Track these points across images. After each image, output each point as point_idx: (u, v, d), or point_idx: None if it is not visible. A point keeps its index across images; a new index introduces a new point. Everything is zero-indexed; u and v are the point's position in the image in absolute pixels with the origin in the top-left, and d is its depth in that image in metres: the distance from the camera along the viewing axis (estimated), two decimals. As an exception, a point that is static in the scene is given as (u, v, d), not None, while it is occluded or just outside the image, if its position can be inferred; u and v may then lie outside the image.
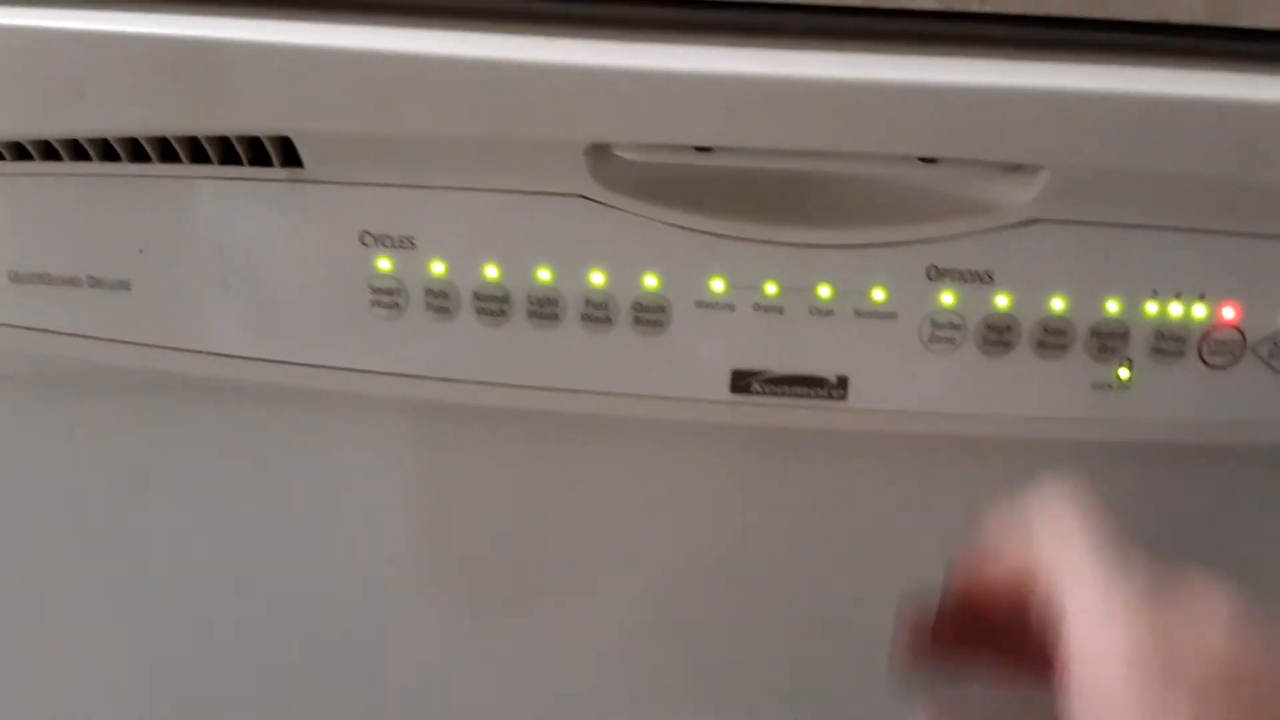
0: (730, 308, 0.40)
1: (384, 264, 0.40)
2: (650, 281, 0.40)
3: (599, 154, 0.38)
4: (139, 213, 0.39)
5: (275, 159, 0.38)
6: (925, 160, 0.38)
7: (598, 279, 0.40)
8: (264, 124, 0.37)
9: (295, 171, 0.38)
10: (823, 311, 0.40)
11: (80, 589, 0.51)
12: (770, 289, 0.40)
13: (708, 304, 0.40)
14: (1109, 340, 0.40)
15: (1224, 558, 0.47)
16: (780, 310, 0.40)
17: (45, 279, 0.40)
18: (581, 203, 0.39)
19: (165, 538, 0.50)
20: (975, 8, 0.36)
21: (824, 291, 0.40)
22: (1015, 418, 0.41)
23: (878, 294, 0.40)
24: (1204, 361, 0.41)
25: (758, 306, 0.40)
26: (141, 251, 0.40)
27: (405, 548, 0.50)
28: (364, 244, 0.39)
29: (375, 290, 0.40)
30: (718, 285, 0.40)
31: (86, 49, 0.36)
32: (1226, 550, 0.47)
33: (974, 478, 0.45)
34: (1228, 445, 0.43)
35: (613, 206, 0.39)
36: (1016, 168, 0.38)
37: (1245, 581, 0.47)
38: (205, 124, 0.37)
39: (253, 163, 0.38)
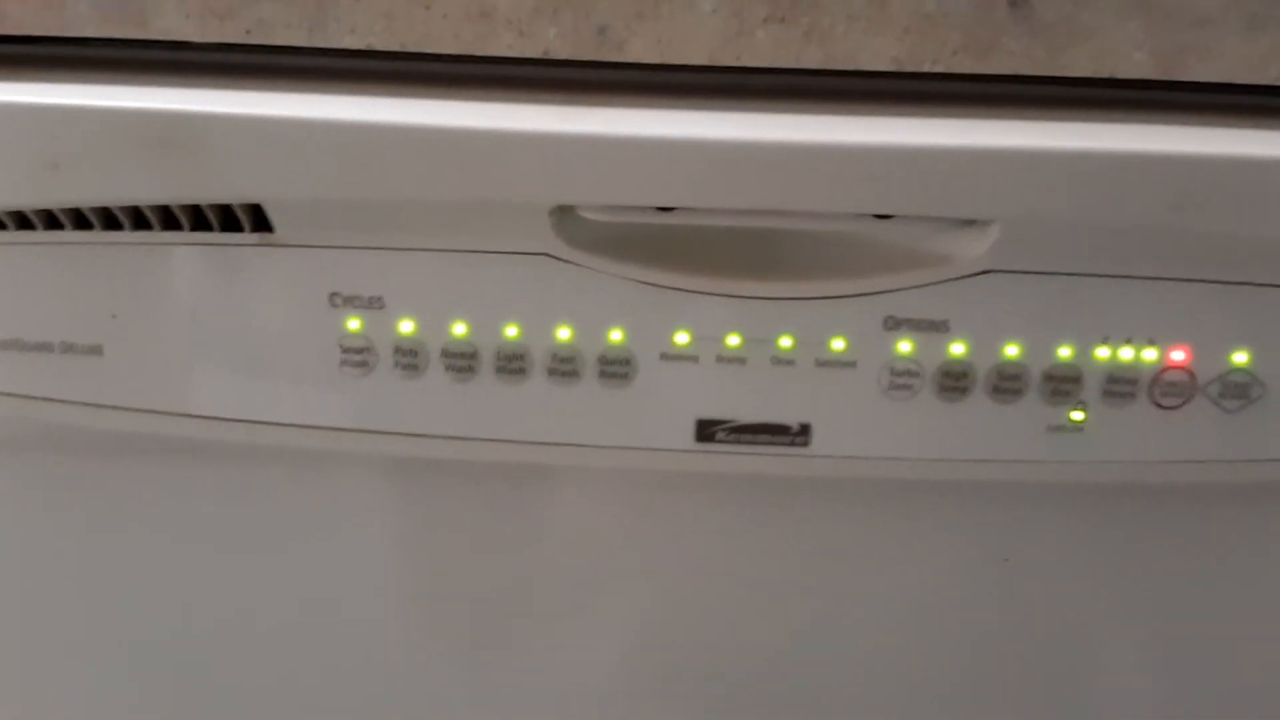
0: (694, 360, 0.42)
1: (354, 324, 0.40)
2: (615, 335, 0.41)
3: (564, 215, 0.39)
4: (111, 278, 0.40)
5: (246, 225, 0.39)
6: (880, 216, 0.40)
7: (564, 334, 0.41)
8: (236, 193, 0.38)
9: (266, 236, 0.39)
10: (784, 361, 0.42)
11: (52, 647, 0.52)
12: (733, 340, 0.41)
13: (672, 356, 0.41)
14: (1062, 384, 0.41)
15: (1181, 595, 0.49)
16: (743, 361, 0.42)
17: (18, 345, 0.41)
18: (548, 261, 0.40)
19: (140, 597, 0.50)
20: (928, 68, 0.38)
21: (785, 342, 0.41)
22: (973, 461, 0.43)
23: (837, 344, 0.41)
24: (1156, 403, 0.42)
25: (721, 358, 0.42)
26: (114, 316, 0.40)
27: (382, 601, 0.50)
28: (334, 305, 0.40)
29: (345, 350, 0.41)
30: (681, 338, 0.41)
31: (61, 123, 0.36)
32: (1183, 588, 0.48)
33: (934, 521, 0.47)
34: (1182, 484, 0.44)
35: (578, 264, 0.40)
36: (969, 221, 0.39)
37: (1201, 618, 0.49)
38: (178, 194, 0.38)
39: (224, 228, 0.39)
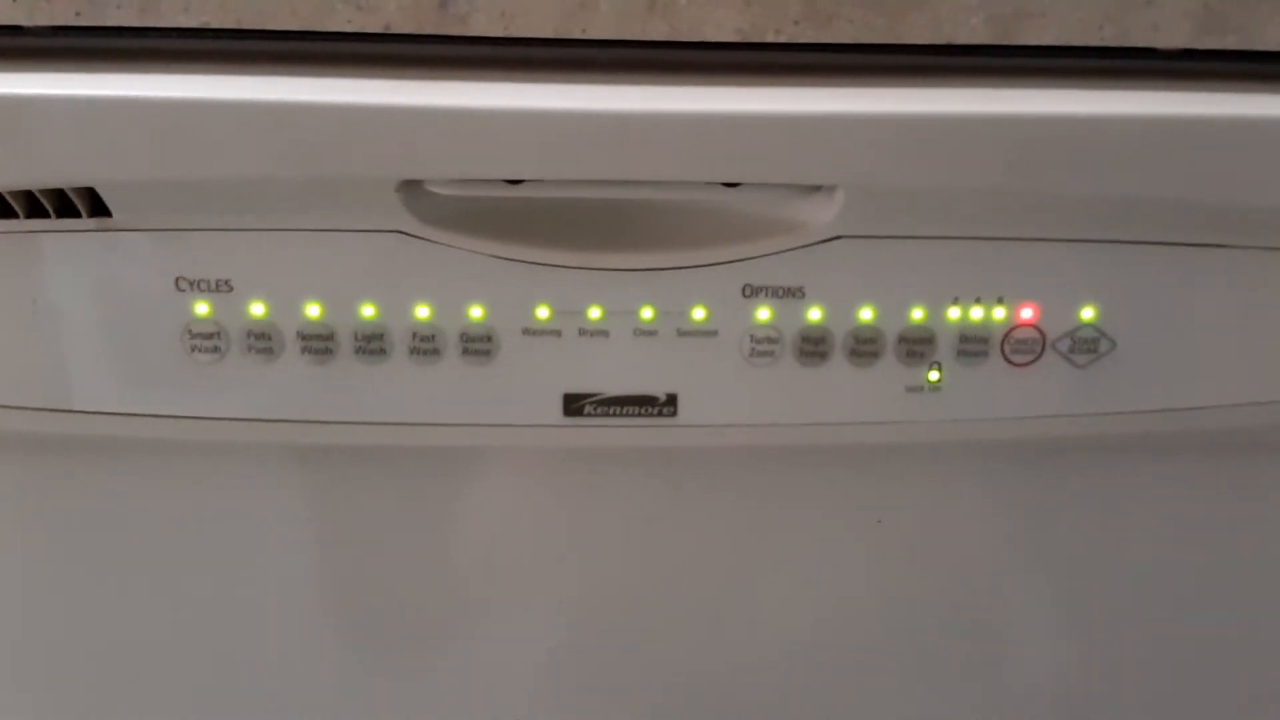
0: (557, 334, 0.42)
1: (202, 308, 0.40)
2: (475, 312, 0.41)
3: (412, 190, 0.39)
4: (-54, 270, 0.39)
5: (83, 210, 0.38)
6: (729, 184, 0.40)
7: (423, 312, 0.41)
8: (67, 176, 0.37)
9: (104, 221, 0.38)
10: (647, 333, 0.42)
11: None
12: (594, 313, 0.42)
13: (534, 331, 0.42)
14: (917, 346, 0.43)
15: (1044, 549, 0.50)
16: (606, 334, 0.42)
17: None
18: (400, 238, 0.40)
19: (16, 597, 0.49)
20: (770, 38, 0.38)
21: (646, 313, 0.42)
22: (836, 424, 0.44)
23: (698, 313, 0.42)
24: (1008, 360, 0.43)
25: (583, 331, 0.42)
26: (-49, 308, 0.40)
27: (250, 591, 0.50)
28: (180, 289, 0.40)
29: (194, 335, 0.40)
30: (542, 313, 0.42)
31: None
32: (1045, 541, 0.50)
33: (806, 486, 0.48)
34: (1039, 439, 0.46)
35: (431, 240, 0.40)
36: (816, 188, 0.40)
37: (1055, 571, 0.51)
38: (7, 179, 0.37)
39: (60, 214, 0.38)
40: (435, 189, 0.39)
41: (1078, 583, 0.51)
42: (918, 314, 0.42)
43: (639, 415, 0.43)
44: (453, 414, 0.43)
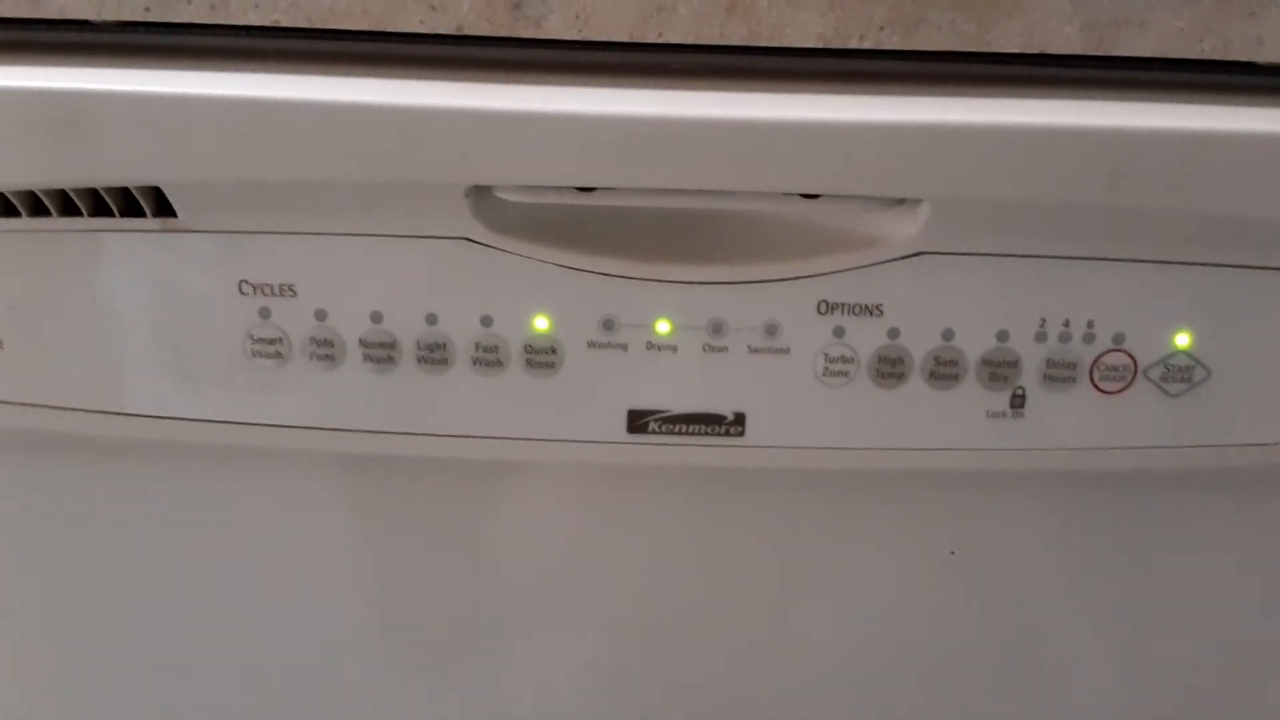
0: (623, 347, 0.41)
1: (264, 313, 0.40)
2: (540, 323, 0.41)
3: (481, 196, 0.39)
4: (9, 269, 0.39)
5: (148, 209, 0.38)
6: (807, 196, 0.39)
7: (487, 322, 0.41)
8: (132, 174, 0.37)
9: (169, 221, 0.38)
10: (716, 349, 0.41)
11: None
12: (662, 327, 0.41)
13: (600, 344, 0.41)
14: (1000, 369, 0.41)
15: (1127, 583, 0.49)
16: (674, 349, 0.41)
17: (-87, 338, 0.40)
18: (467, 245, 0.40)
19: (63, 598, 0.50)
20: (854, 44, 0.38)
21: (717, 328, 0.41)
22: (912, 449, 0.43)
23: (770, 330, 0.41)
24: (1096, 387, 0.42)
25: (651, 345, 0.41)
26: (13, 308, 0.40)
27: (311, 598, 0.50)
28: (243, 293, 0.40)
29: (256, 340, 0.40)
30: (609, 325, 0.41)
31: (-53, 105, 0.36)
32: (1129, 575, 0.48)
33: (875, 511, 0.47)
34: (1126, 470, 0.45)
35: (498, 248, 0.40)
36: (899, 201, 0.39)
37: (1145, 605, 0.49)
38: (72, 176, 0.37)
39: (125, 214, 0.38)
40: (504, 195, 0.39)
41: (1161, 625, 0.50)
42: (1002, 336, 0.41)
43: (705, 434, 0.43)
44: (513, 427, 0.43)
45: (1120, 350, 0.42)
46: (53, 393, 0.41)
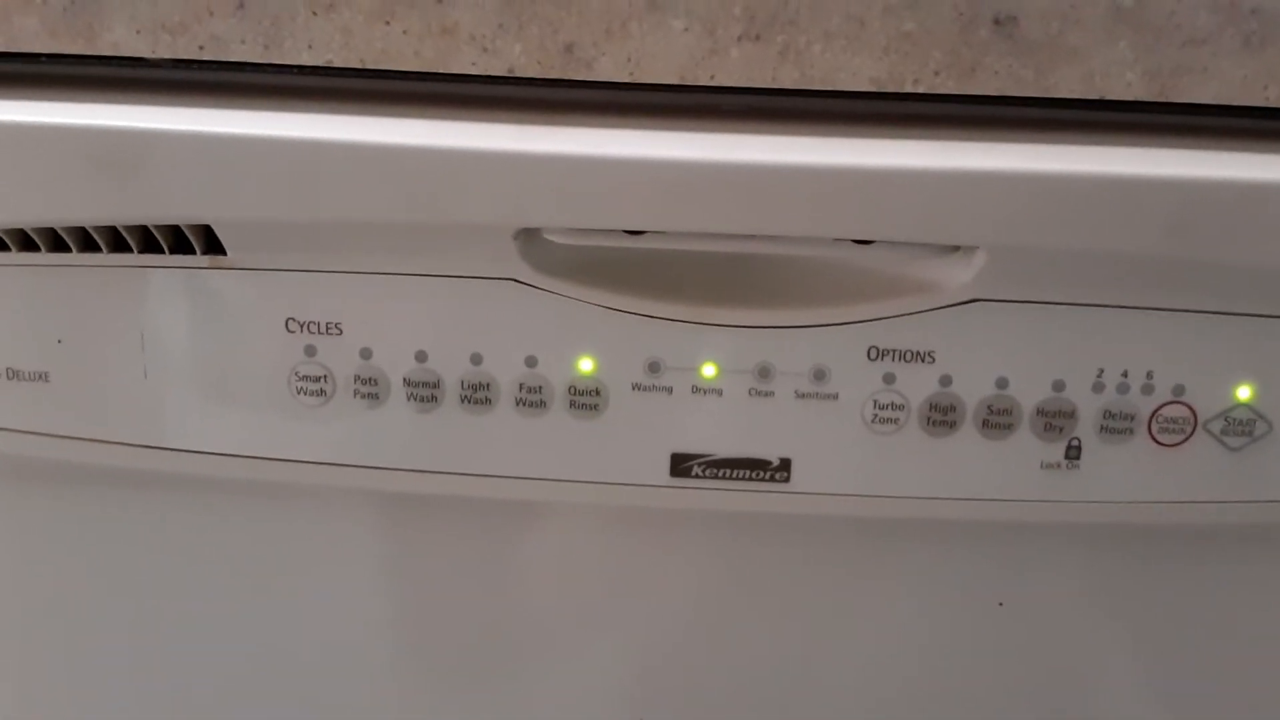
0: (668, 390, 0.41)
1: (310, 350, 0.40)
2: (585, 365, 0.41)
3: (529, 238, 0.39)
4: (57, 303, 0.40)
5: (197, 246, 0.39)
6: (860, 241, 0.39)
7: (531, 363, 0.41)
8: (184, 213, 0.38)
9: (218, 259, 0.39)
10: (763, 393, 0.41)
11: (12, 682, 0.51)
12: (708, 371, 0.41)
13: (645, 387, 0.41)
14: (1055, 419, 0.41)
15: (1183, 643, 0.48)
16: (719, 392, 0.41)
17: (-38, 371, 0.41)
18: (513, 286, 0.40)
19: (102, 630, 0.50)
20: (908, 88, 0.38)
21: (764, 373, 0.41)
22: (963, 500, 0.42)
23: (819, 375, 0.41)
24: (1154, 440, 0.41)
25: (696, 389, 0.41)
26: (60, 342, 0.40)
27: (348, 637, 0.50)
28: (290, 330, 0.40)
29: (301, 377, 0.41)
30: (654, 367, 0.41)
31: (4, 141, 0.36)
32: (1185, 635, 0.47)
33: (923, 562, 0.46)
34: (1183, 526, 0.44)
35: (545, 290, 0.40)
36: (954, 248, 0.39)
37: (1204, 668, 0.48)
38: (123, 214, 0.38)
39: (174, 250, 0.39)
40: (552, 237, 0.39)
41: (1216, 688, 0.49)
42: (1058, 385, 0.41)
43: (749, 479, 0.42)
44: (555, 469, 0.42)
45: (1180, 402, 0.41)
46: (97, 427, 0.41)
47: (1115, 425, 0.41)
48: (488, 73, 0.37)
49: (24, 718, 0.52)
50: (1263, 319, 0.40)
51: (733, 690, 0.50)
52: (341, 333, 0.40)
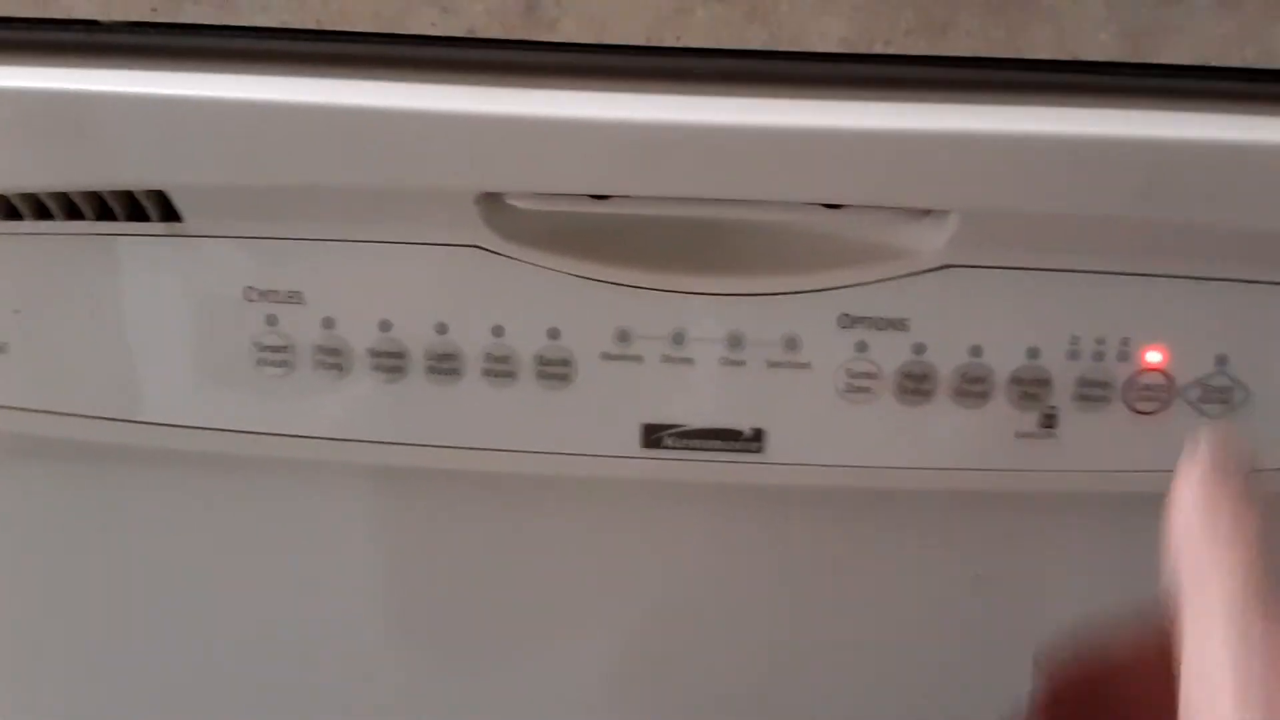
0: (638, 359, 0.41)
1: (271, 320, 0.40)
2: (553, 334, 0.41)
3: (492, 204, 0.39)
4: (13, 272, 0.40)
5: (153, 214, 0.38)
6: (830, 206, 0.39)
7: (498, 332, 0.41)
8: (138, 178, 0.37)
9: (174, 226, 0.39)
10: (734, 362, 0.41)
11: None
12: (678, 340, 0.41)
13: (614, 356, 0.41)
14: (1030, 388, 0.41)
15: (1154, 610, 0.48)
16: (690, 361, 0.41)
17: (-84, 342, 0.40)
18: (478, 253, 0.40)
19: (75, 603, 0.50)
20: (879, 49, 0.37)
21: (735, 342, 0.41)
22: (937, 469, 0.42)
23: (790, 344, 0.41)
24: (1131, 407, 0.41)
25: (667, 358, 0.41)
26: (17, 312, 0.40)
27: (324, 608, 0.50)
28: (249, 299, 0.40)
29: (262, 348, 0.40)
30: (624, 337, 0.41)
31: (-49, 105, 0.36)
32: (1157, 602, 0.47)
33: (898, 533, 0.46)
34: (1160, 494, 0.44)
35: (510, 257, 0.40)
36: (925, 212, 0.39)
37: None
38: (77, 180, 0.37)
39: (130, 218, 0.39)
40: (516, 202, 0.39)
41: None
42: (1033, 353, 0.40)
43: (722, 450, 0.42)
44: (525, 440, 0.42)
45: (1156, 369, 0.41)
46: (56, 398, 0.41)
47: (1091, 393, 0.41)
48: (447, 33, 0.37)
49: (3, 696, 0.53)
50: (1241, 284, 0.40)
51: (708, 665, 0.50)
52: (303, 302, 0.40)
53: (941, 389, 0.41)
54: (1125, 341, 0.41)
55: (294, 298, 0.40)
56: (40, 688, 0.53)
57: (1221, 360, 0.41)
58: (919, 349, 0.41)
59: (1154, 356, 0.41)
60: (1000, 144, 0.37)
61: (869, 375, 0.41)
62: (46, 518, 0.48)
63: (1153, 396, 0.41)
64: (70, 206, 0.39)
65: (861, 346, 0.41)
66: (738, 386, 0.41)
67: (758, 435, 0.42)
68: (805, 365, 0.41)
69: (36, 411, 0.42)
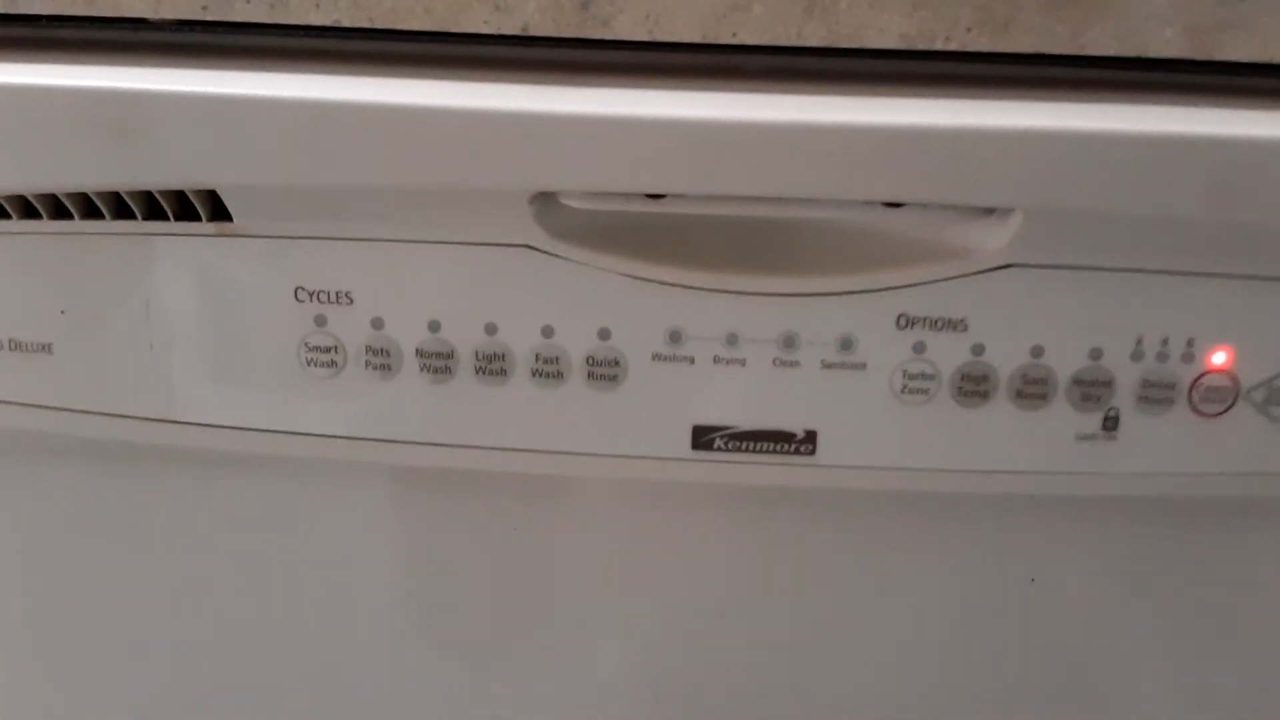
0: (689, 360, 0.41)
1: (320, 320, 0.40)
2: (603, 334, 0.40)
3: (545, 203, 0.38)
4: (60, 272, 0.39)
5: (203, 213, 0.38)
6: (890, 204, 0.39)
7: (548, 333, 0.40)
8: (189, 178, 0.37)
9: (224, 225, 0.38)
10: (787, 363, 0.41)
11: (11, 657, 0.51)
12: (731, 340, 0.40)
13: (665, 357, 0.41)
14: (1092, 389, 0.40)
15: (1219, 619, 0.47)
16: (742, 362, 0.41)
17: (-38, 342, 0.40)
18: (529, 253, 0.39)
19: (108, 606, 0.50)
20: (940, 45, 0.37)
21: (788, 342, 0.40)
22: (995, 473, 0.41)
23: (846, 344, 0.40)
24: (1195, 410, 0.41)
25: (719, 359, 0.41)
26: (63, 312, 0.40)
27: (361, 609, 0.50)
28: (299, 300, 0.40)
29: (311, 348, 0.40)
30: (675, 337, 0.40)
31: (4, 104, 0.36)
32: (1222, 610, 0.47)
33: (954, 536, 0.46)
34: (1223, 498, 0.43)
35: (562, 257, 0.39)
36: (988, 211, 0.38)
37: (1240, 643, 0.48)
38: (127, 179, 0.37)
39: (180, 217, 0.38)
40: (569, 202, 0.38)
41: (1253, 663, 0.48)
42: (1095, 354, 0.40)
43: (773, 452, 0.42)
44: (573, 442, 0.42)
45: (1221, 371, 0.40)
46: (103, 399, 0.41)
47: (1154, 395, 0.40)
48: (501, 31, 0.36)
49: (28, 690, 0.53)
50: (1308, 284, 0.39)
51: (756, 666, 0.50)
52: (352, 302, 0.40)
53: (1001, 390, 0.40)
54: (1190, 343, 0.40)
55: (343, 298, 0.40)
56: (69, 687, 0.53)
57: (1288, 362, 0.40)
58: (978, 350, 0.40)
59: (1219, 358, 0.40)
60: (1065, 142, 0.36)
61: (926, 376, 0.40)
62: (79, 519, 0.48)
63: (1217, 398, 0.41)
64: (120, 206, 0.38)
65: (919, 347, 0.40)
66: (790, 388, 0.41)
67: (810, 437, 0.42)
68: (861, 366, 0.40)
69: (81, 412, 0.41)
